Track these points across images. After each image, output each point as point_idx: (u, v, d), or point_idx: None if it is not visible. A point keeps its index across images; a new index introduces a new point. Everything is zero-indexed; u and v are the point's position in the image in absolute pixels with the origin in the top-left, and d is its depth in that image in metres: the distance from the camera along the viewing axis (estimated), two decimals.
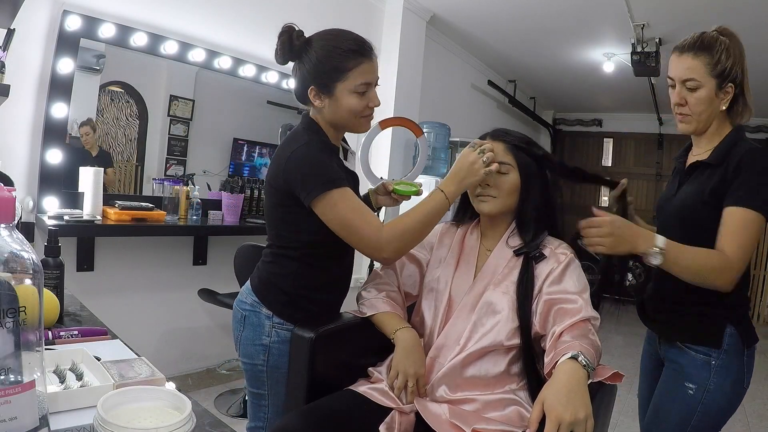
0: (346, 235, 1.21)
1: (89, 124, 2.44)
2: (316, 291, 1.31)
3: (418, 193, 1.41)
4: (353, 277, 1.39)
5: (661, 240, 1.16)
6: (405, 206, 1.47)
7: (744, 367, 1.24)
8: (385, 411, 1.19)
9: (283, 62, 1.27)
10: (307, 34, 1.27)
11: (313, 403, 1.21)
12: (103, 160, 2.50)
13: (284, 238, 1.30)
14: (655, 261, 1.16)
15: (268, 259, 1.34)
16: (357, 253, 1.34)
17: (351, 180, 1.31)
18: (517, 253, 1.26)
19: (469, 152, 1.24)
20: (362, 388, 1.26)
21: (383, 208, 1.56)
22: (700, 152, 1.31)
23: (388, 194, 1.46)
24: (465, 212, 1.41)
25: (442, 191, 1.23)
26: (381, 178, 1.53)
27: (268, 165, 1.32)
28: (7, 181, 1.59)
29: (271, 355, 1.29)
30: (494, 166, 1.24)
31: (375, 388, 1.25)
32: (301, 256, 1.29)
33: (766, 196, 1.17)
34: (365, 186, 1.46)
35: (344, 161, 1.34)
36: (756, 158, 1.19)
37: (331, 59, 1.21)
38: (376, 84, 1.28)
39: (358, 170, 1.42)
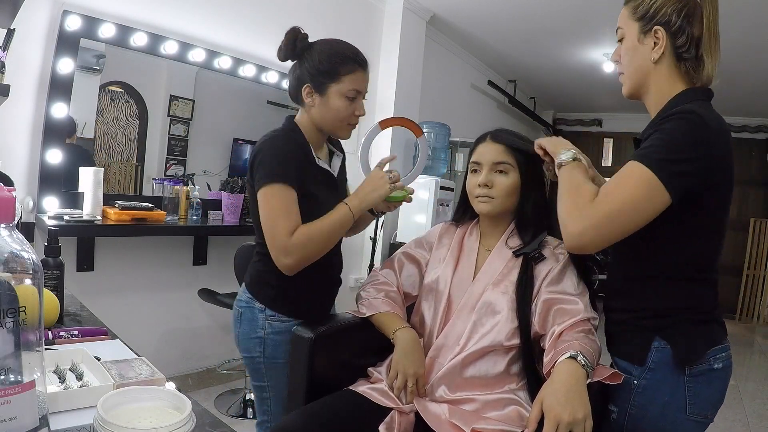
0: (265, 230, 1.26)
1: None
2: (301, 283, 1.31)
3: (407, 199, 1.41)
4: (352, 277, 1.40)
5: (585, 158, 1.11)
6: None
7: (685, 391, 1.00)
8: (385, 411, 1.19)
9: (284, 59, 1.34)
10: (309, 35, 1.34)
11: (313, 403, 1.21)
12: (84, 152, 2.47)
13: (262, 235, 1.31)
14: (565, 155, 1.09)
15: (256, 258, 1.39)
16: (348, 245, 1.36)
17: (323, 180, 1.36)
18: (516, 254, 1.26)
19: (377, 170, 1.33)
20: (362, 388, 1.26)
21: (380, 225, 1.58)
22: None
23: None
24: (465, 212, 1.41)
25: (346, 204, 1.28)
26: None
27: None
28: (7, 181, 1.59)
29: (266, 346, 1.34)
30: (398, 184, 1.31)
31: (375, 388, 1.26)
32: None
33: (671, 158, 0.94)
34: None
35: (324, 164, 1.37)
36: (676, 120, 0.97)
37: (329, 62, 1.29)
38: (364, 96, 1.35)
39: (357, 173, 1.42)
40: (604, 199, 0.97)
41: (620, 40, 1.13)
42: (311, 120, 1.35)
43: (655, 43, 1.06)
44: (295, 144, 1.31)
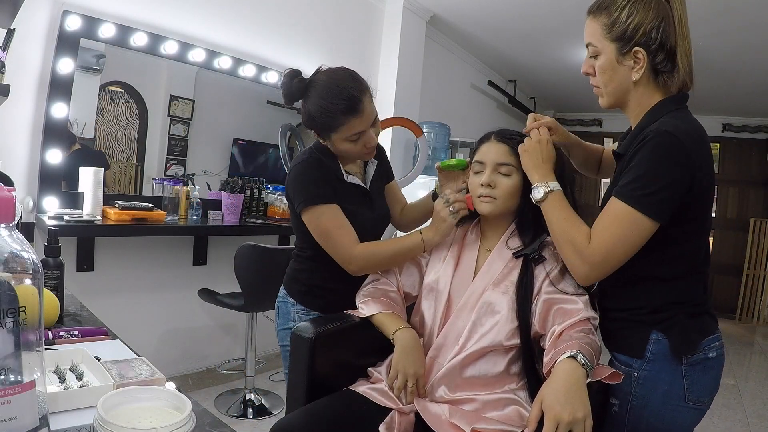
0: (324, 245, 1.36)
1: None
2: (327, 283, 1.45)
3: (462, 165, 1.41)
4: None
5: (557, 186, 1.14)
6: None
7: (683, 380, 1.05)
8: (385, 411, 1.19)
9: (289, 104, 1.40)
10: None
11: (313, 403, 1.21)
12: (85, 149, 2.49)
13: (299, 240, 1.48)
14: (537, 194, 1.15)
15: (293, 258, 1.53)
16: None
17: (353, 194, 1.43)
18: (516, 255, 1.26)
19: (441, 206, 1.30)
20: (362, 388, 1.26)
21: None
22: None
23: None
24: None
25: (421, 234, 1.32)
26: None
27: None
28: (7, 181, 1.59)
29: None
30: (462, 212, 1.30)
31: (375, 388, 1.26)
32: (311, 256, 1.44)
33: (649, 191, 0.99)
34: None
35: (354, 179, 1.44)
36: (651, 145, 1.00)
37: (323, 117, 1.33)
38: (373, 124, 1.37)
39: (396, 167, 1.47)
40: (598, 242, 1.04)
41: (593, 56, 1.12)
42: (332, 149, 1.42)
43: (634, 62, 1.07)
44: (324, 166, 1.39)
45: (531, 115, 1.30)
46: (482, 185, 1.28)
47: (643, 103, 1.10)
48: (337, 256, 1.35)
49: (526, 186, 1.28)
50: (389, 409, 1.20)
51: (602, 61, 1.10)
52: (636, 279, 1.10)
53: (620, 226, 1.02)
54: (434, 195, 1.53)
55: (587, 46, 1.13)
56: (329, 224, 1.34)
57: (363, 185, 1.47)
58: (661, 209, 1.00)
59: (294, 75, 1.36)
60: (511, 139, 1.30)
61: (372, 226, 1.47)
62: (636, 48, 1.05)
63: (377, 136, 1.40)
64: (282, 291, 1.52)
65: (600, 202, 1.24)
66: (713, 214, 6.46)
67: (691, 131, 1.02)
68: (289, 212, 1.50)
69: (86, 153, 2.45)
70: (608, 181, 1.25)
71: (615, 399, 1.11)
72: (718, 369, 1.09)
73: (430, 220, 1.35)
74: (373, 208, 1.48)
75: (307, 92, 1.35)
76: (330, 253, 1.37)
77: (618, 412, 1.10)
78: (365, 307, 1.35)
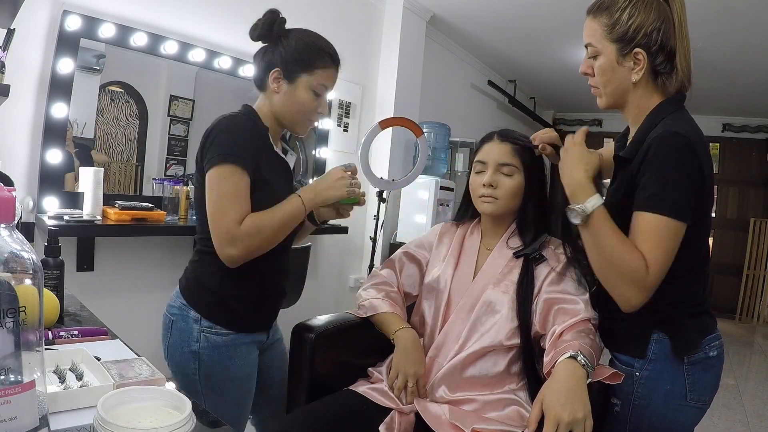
0: (211, 217, 1.15)
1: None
2: (246, 289, 1.23)
3: (360, 202, 1.30)
4: (353, 277, 1.39)
5: (595, 203, 1.02)
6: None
7: (684, 379, 1.05)
8: (385, 411, 1.19)
9: (256, 39, 1.30)
10: (286, 19, 1.31)
11: (313, 403, 1.21)
12: (83, 148, 2.46)
13: (208, 232, 1.17)
14: (575, 220, 1.05)
15: (195, 257, 1.27)
16: (347, 246, 1.32)
17: (278, 168, 1.27)
18: (516, 255, 1.26)
19: (340, 170, 1.26)
20: (362, 388, 1.26)
21: (380, 226, 1.52)
22: (632, 136, 1.14)
23: (329, 205, 1.31)
24: (466, 212, 1.41)
25: (299, 196, 1.20)
26: (381, 177, 1.53)
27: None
28: (7, 181, 1.59)
29: (201, 363, 1.20)
30: (355, 183, 1.24)
31: (375, 388, 1.26)
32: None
33: (676, 196, 0.99)
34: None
35: (281, 153, 1.30)
36: (665, 149, 0.99)
37: (306, 51, 1.25)
38: (327, 94, 1.30)
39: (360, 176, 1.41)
40: (656, 266, 0.98)
41: (592, 56, 1.11)
42: (271, 108, 1.29)
43: (635, 63, 1.07)
44: (254, 126, 1.24)
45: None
46: (484, 185, 1.28)
47: (641, 104, 1.10)
48: (219, 233, 1.13)
49: (528, 186, 1.28)
50: (389, 409, 1.20)
51: (602, 61, 1.10)
52: None
53: (669, 240, 0.99)
54: (310, 217, 1.37)
55: (586, 46, 1.13)
56: (229, 189, 1.12)
57: (287, 162, 1.32)
58: (689, 210, 1.00)
59: (277, 13, 1.29)
60: (514, 139, 1.30)
61: None
62: (636, 49, 1.06)
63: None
64: (178, 300, 1.24)
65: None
66: (713, 214, 6.48)
67: (696, 132, 1.03)
68: (195, 193, 1.23)
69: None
70: (607, 181, 1.24)
71: (616, 399, 1.11)
72: (718, 368, 1.09)
73: (312, 183, 1.26)
74: (292, 190, 1.29)
75: (287, 33, 1.29)
76: (211, 230, 1.14)
77: (620, 412, 1.10)
78: (365, 307, 1.35)
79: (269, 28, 1.28)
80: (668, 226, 0.98)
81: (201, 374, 1.20)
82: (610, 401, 1.12)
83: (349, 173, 1.27)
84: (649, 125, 1.07)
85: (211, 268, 1.21)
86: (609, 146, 1.34)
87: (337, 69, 1.30)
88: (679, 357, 1.06)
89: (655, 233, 0.99)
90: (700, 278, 1.12)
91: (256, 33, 1.29)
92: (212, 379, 1.21)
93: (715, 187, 6.57)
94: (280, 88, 1.27)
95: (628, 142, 1.13)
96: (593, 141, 6.97)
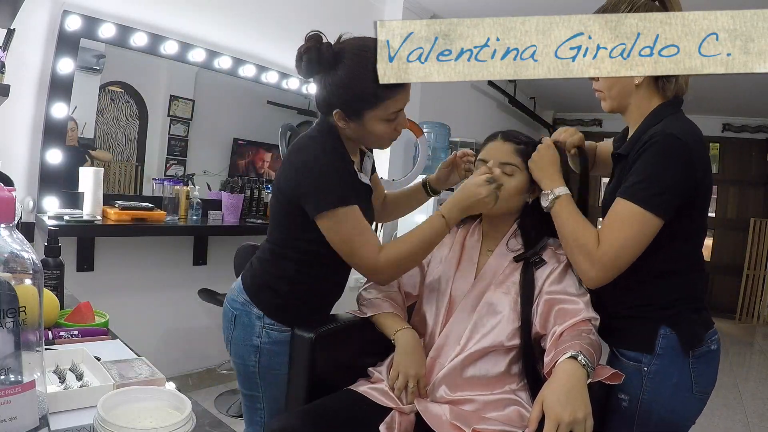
0: (345, 254, 1.19)
1: (72, 120, 2.41)
2: (311, 296, 1.29)
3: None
4: (353, 277, 1.39)
5: (562, 190, 1.16)
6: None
7: (690, 372, 1.10)
8: (385, 411, 1.19)
9: (308, 77, 1.15)
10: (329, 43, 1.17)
11: (313, 402, 1.21)
12: (88, 146, 2.47)
13: (285, 240, 1.26)
14: (544, 202, 1.18)
15: (266, 256, 1.29)
16: None
17: (363, 193, 1.27)
18: (516, 259, 1.26)
19: (483, 185, 1.17)
20: (362, 388, 1.26)
21: (380, 226, 1.55)
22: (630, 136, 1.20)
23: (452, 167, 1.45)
24: None
25: (443, 217, 1.18)
26: (381, 177, 1.53)
27: (281, 166, 1.26)
28: (7, 181, 1.59)
29: (262, 355, 1.27)
30: (499, 189, 1.20)
31: (375, 388, 1.25)
32: (299, 261, 1.25)
33: (655, 191, 1.03)
34: None
35: (364, 178, 1.29)
36: (658, 147, 1.04)
37: (362, 88, 1.09)
38: (402, 113, 1.20)
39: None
40: (608, 243, 1.06)
41: None
42: (347, 134, 1.22)
43: None
44: (340, 159, 1.19)
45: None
46: None
47: (642, 107, 1.15)
48: (362, 266, 1.19)
49: (530, 185, 1.28)
50: (389, 409, 1.20)
51: None
52: (645, 276, 1.12)
53: (630, 226, 1.04)
54: (426, 186, 1.52)
55: None
56: (352, 231, 1.15)
57: (369, 183, 1.31)
58: (667, 207, 1.04)
59: (319, 39, 1.11)
60: (517, 139, 1.30)
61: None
62: None
63: None
64: (241, 295, 1.28)
65: (600, 202, 1.25)
66: (713, 214, 6.48)
67: (693, 133, 1.07)
68: (275, 203, 1.26)
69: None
70: (605, 180, 1.28)
71: (624, 394, 1.13)
72: (717, 360, 1.15)
73: (453, 198, 1.21)
74: (371, 207, 1.33)
75: (338, 58, 1.10)
76: (350, 263, 1.21)
77: (627, 407, 1.13)
78: (366, 307, 1.35)
79: (317, 61, 1.11)
80: (639, 216, 1.03)
81: (260, 366, 1.27)
82: (617, 397, 1.14)
83: (497, 186, 1.19)
84: (647, 125, 1.12)
85: (281, 272, 1.24)
86: (608, 142, 1.40)
87: (406, 87, 1.14)
88: (686, 351, 1.10)
89: (622, 218, 1.05)
90: (700, 275, 1.17)
91: (304, 72, 1.13)
92: (271, 372, 1.28)
93: (715, 187, 6.62)
94: (349, 126, 1.18)
95: (627, 141, 1.18)
96: (593, 141, 6.94)
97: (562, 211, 1.15)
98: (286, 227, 1.26)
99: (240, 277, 1.33)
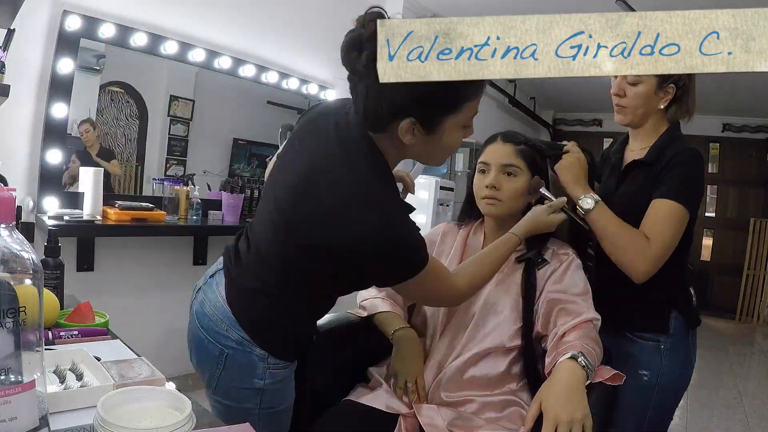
0: (426, 301, 1.25)
1: (88, 122, 2.44)
2: (313, 329, 1.21)
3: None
4: None
5: (597, 196, 1.25)
6: None
7: (690, 347, 1.33)
8: (391, 419, 1.18)
9: (364, 75, 0.89)
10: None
11: (316, 424, 1.19)
12: (105, 155, 2.51)
13: (296, 285, 1.05)
14: (586, 205, 1.24)
15: (277, 292, 1.05)
16: None
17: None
18: (519, 260, 1.26)
19: (560, 215, 1.23)
20: (364, 398, 1.23)
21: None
22: (636, 148, 1.36)
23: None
24: (470, 212, 1.40)
25: (516, 235, 1.19)
26: None
27: (307, 208, 0.99)
28: (2, 182, 1.59)
29: (265, 396, 1.09)
30: (559, 201, 1.25)
31: (376, 395, 1.23)
32: (311, 302, 1.11)
33: (693, 190, 1.23)
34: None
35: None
36: (688, 155, 1.24)
37: (449, 90, 0.88)
38: None
39: None
40: (660, 239, 1.20)
41: (632, 83, 1.27)
42: (404, 153, 1.03)
43: (664, 94, 1.28)
44: (402, 202, 1.03)
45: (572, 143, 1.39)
46: (487, 186, 1.27)
47: (656, 127, 1.32)
48: (443, 305, 1.25)
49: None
50: (395, 417, 1.18)
51: (642, 89, 1.27)
52: (663, 269, 1.23)
53: (677, 223, 1.21)
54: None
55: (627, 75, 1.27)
56: (436, 283, 1.04)
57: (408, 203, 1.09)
58: (697, 208, 1.25)
59: (381, 12, 0.88)
60: (517, 140, 1.29)
61: None
62: (671, 84, 1.27)
63: None
64: (236, 334, 1.04)
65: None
66: (713, 214, 6.49)
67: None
68: (289, 247, 1.02)
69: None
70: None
71: (645, 370, 1.30)
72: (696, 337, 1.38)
73: (525, 221, 1.22)
74: None
75: None
76: (428, 305, 1.29)
77: (648, 380, 1.30)
78: (365, 307, 1.35)
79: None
80: (680, 212, 1.20)
81: (262, 408, 1.10)
82: (638, 373, 1.30)
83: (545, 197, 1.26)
84: (667, 140, 1.29)
85: (292, 311, 1.07)
86: None
87: (483, 85, 0.98)
88: (689, 330, 1.32)
89: (670, 217, 1.20)
90: (688, 269, 1.39)
91: (362, 63, 0.87)
92: (273, 410, 1.12)
93: (715, 187, 6.61)
94: (417, 140, 0.95)
95: (648, 149, 1.31)
96: (593, 141, 6.97)
97: (604, 213, 1.24)
98: (306, 281, 1.05)
99: (227, 306, 1.06)
